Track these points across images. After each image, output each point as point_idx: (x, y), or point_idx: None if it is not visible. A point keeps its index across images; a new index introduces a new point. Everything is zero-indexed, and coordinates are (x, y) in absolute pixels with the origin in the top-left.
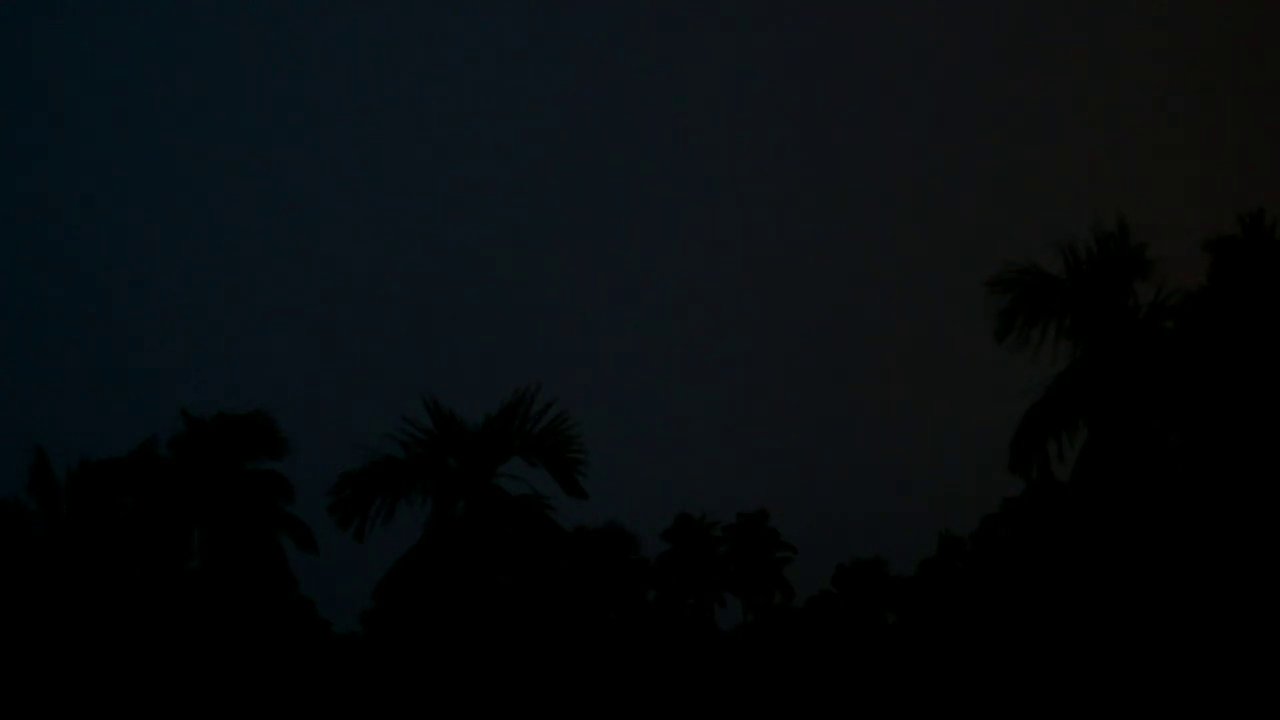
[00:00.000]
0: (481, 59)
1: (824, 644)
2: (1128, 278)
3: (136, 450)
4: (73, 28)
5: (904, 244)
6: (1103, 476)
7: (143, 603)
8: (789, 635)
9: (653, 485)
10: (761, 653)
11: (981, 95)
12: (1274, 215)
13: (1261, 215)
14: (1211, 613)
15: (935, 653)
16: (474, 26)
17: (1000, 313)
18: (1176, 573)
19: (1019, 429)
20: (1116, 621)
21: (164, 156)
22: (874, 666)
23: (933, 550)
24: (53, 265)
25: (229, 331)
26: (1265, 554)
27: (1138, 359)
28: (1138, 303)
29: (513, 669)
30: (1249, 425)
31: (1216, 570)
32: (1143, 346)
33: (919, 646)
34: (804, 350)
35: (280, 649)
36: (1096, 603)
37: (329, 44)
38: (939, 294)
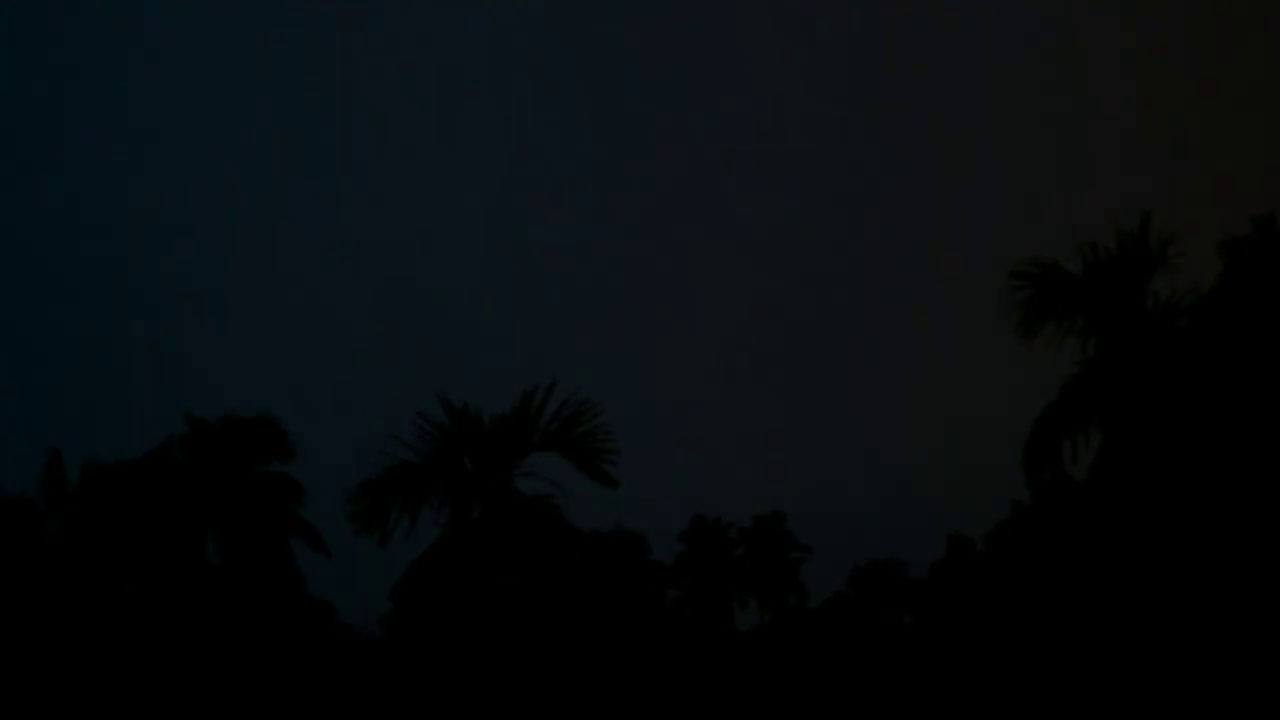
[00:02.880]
0: (497, 53)
1: (840, 645)
2: (1146, 275)
3: (149, 454)
4: (93, 27)
5: (920, 244)
6: (1119, 476)
7: (155, 604)
8: (806, 636)
9: (668, 488)
10: (779, 654)
11: (997, 92)
12: None
13: (1272, 219)
14: (1228, 614)
15: (950, 654)
16: (498, 20)
17: (1019, 305)
18: (1190, 572)
19: (1034, 430)
20: (1132, 622)
21: (178, 156)
22: (890, 668)
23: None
24: (68, 265)
25: (244, 331)
26: None
27: (1152, 358)
28: (1155, 302)
29: (531, 671)
30: (1261, 425)
31: (1231, 570)
32: (1157, 345)
33: (933, 648)
34: (819, 351)
35: (294, 653)
36: (1112, 603)
37: (344, 41)
38: (957, 294)
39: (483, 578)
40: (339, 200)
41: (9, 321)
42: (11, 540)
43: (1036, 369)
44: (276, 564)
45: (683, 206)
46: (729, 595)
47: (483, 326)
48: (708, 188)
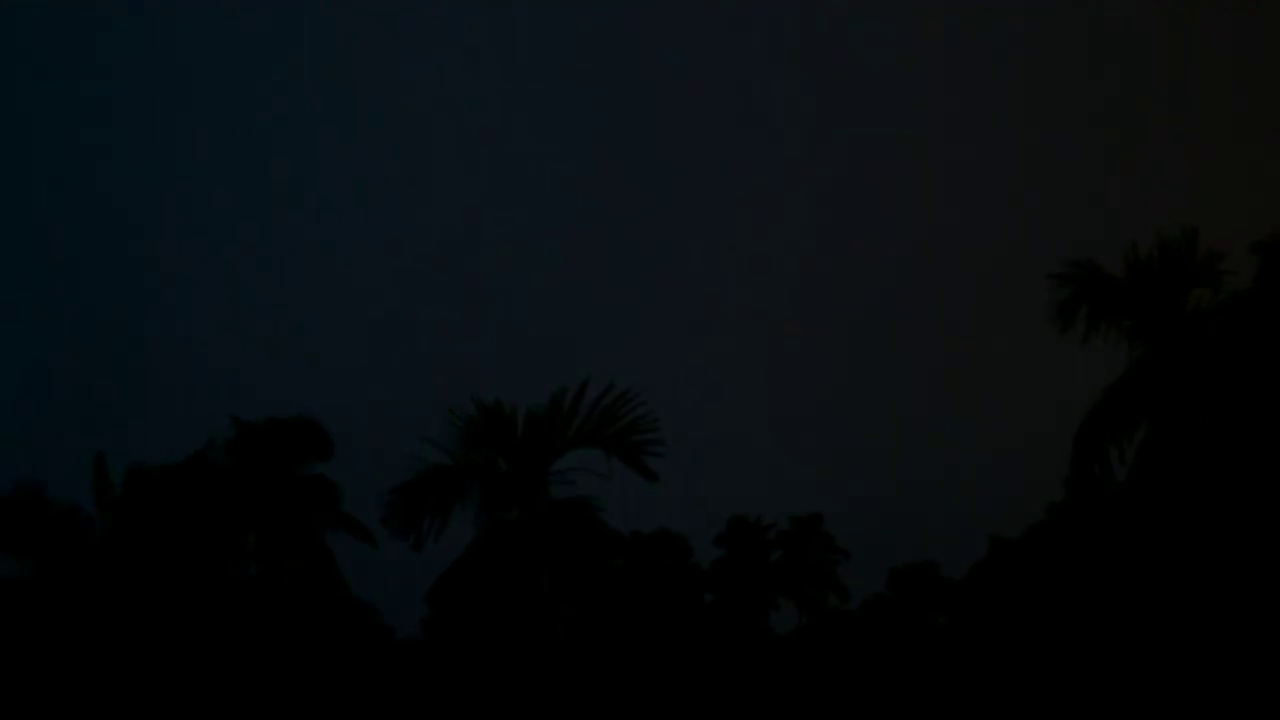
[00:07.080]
0: (529, 53)
1: (878, 647)
2: (1189, 285)
3: (192, 456)
4: (129, 27)
5: (957, 245)
6: (1162, 477)
7: (200, 607)
8: (844, 638)
9: (705, 491)
10: (817, 656)
11: (1028, 94)
12: None
13: None
14: (1273, 618)
15: (989, 656)
16: (520, 23)
17: (1060, 304)
18: (1234, 576)
19: (1079, 432)
20: (1171, 626)
21: (205, 158)
22: (931, 670)
23: (984, 553)
24: (108, 268)
25: (280, 329)
26: None
27: (1197, 360)
28: (1196, 307)
29: (566, 674)
30: None
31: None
32: (1200, 348)
33: (971, 649)
34: (856, 350)
35: (333, 655)
36: (1151, 606)
37: (373, 44)
38: (994, 295)
39: (519, 580)
40: (369, 200)
41: (49, 325)
42: (61, 547)
43: (1084, 368)
44: (317, 566)
45: (721, 207)
46: (767, 597)
47: (520, 324)
48: (749, 187)
